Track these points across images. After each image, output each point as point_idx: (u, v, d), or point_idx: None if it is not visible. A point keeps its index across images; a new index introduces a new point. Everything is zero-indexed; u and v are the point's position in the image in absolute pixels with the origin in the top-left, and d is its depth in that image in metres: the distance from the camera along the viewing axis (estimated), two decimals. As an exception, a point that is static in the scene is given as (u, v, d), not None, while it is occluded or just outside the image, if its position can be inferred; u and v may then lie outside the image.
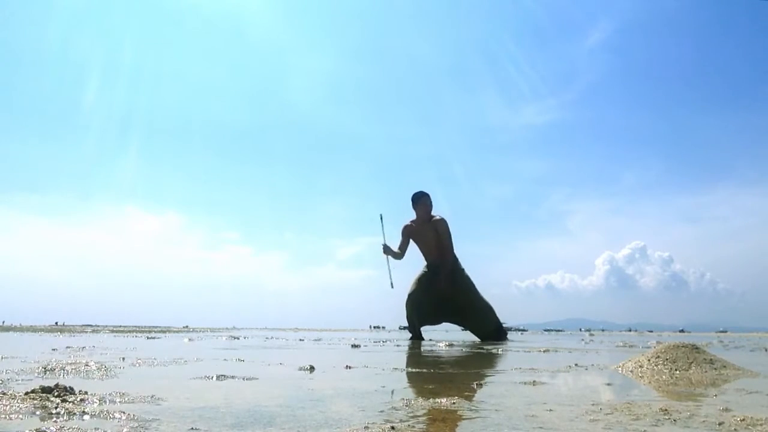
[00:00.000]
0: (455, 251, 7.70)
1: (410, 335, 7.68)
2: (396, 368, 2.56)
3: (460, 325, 7.99)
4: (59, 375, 2.08)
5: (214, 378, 2.03)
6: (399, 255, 7.75)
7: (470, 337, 8.16)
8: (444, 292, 7.52)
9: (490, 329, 7.60)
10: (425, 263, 7.84)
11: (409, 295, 7.58)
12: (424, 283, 7.60)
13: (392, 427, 1.08)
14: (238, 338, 8.07)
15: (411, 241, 7.82)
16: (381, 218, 7.60)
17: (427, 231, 7.68)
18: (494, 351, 4.50)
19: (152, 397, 1.48)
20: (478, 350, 4.69)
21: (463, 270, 7.73)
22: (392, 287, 7.60)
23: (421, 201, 7.68)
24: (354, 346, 5.32)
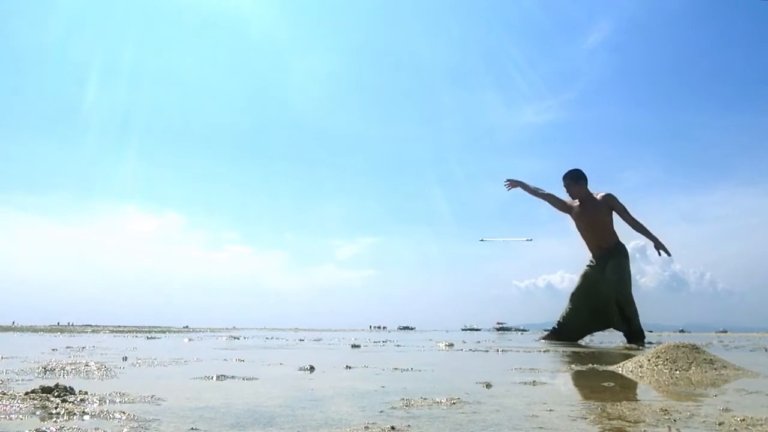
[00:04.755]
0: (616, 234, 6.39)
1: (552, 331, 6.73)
2: (396, 368, 2.56)
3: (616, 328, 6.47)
4: (59, 375, 2.08)
5: (214, 378, 2.03)
6: (536, 192, 6.55)
7: (471, 337, 8.14)
8: (607, 291, 6.25)
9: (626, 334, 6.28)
10: (590, 256, 6.54)
11: (571, 295, 6.58)
12: (589, 281, 6.46)
13: (392, 427, 1.08)
14: (238, 338, 8.07)
15: (573, 222, 6.52)
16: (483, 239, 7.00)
17: (596, 210, 6.27)
18: (495, 351, 4.50)
19: (152, 397, 1.48)
20: (478, 351, 4.69)
21: (621, 258, 6.36)
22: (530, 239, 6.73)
23: (577, 180, 6.41)
24: (354, 346, 5.31)
